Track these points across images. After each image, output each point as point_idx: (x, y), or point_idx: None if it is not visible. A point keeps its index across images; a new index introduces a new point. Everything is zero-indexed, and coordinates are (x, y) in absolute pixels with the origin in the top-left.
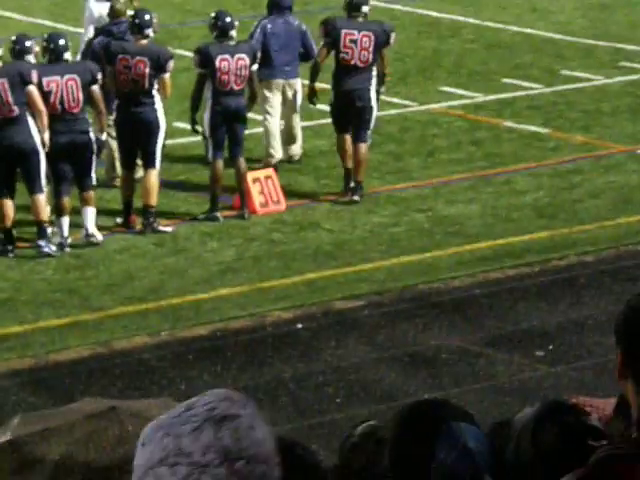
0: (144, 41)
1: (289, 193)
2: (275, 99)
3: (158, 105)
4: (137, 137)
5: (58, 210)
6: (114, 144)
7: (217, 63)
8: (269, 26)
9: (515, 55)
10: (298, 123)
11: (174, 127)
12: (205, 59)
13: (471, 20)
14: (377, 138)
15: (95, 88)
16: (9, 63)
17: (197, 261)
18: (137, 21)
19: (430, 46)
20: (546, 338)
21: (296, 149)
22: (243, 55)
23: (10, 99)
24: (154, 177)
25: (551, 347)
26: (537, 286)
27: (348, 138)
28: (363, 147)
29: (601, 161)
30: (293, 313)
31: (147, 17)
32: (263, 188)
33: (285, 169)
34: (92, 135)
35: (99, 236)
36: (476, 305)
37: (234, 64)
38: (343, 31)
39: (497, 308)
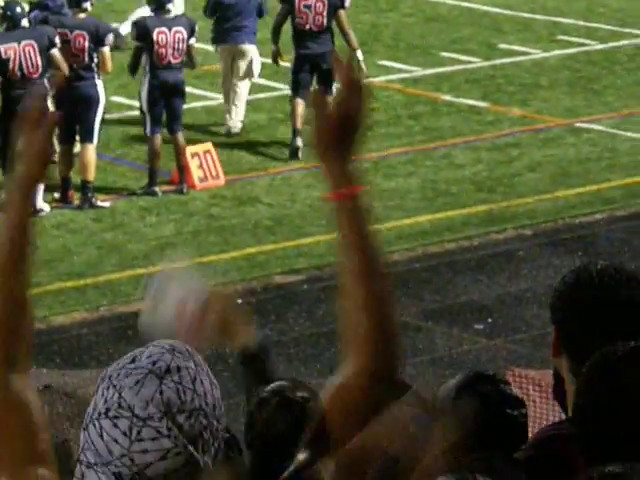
0: (82, 15)
1: (228, 167)
2: (221, 65)
3: (98, 80)
4: (76, 112)
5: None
6: None
7: (154, 36)
8: None
9: (453, 29)
10: (243, 95)
11: (111, 101)
12: (142, 32)
13: None
14: None
15: (54, 52)
16: None
17: (136, 236)
18: None
19: (368, 20)
20: (485, 311)
21: (236, 122)
22: (180, 28)
23: None
24: (92, 152)
25: (489, 320)
26: (476, 260)
27: (302, 103)
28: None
29: (539, 135)
30: (233, 288)
31: None
32: (202, 162)
33: (224, 143)
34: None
35: (47, 208)
36: (416, 279)
37: (171, 37)
38: None
39: (436, 282)
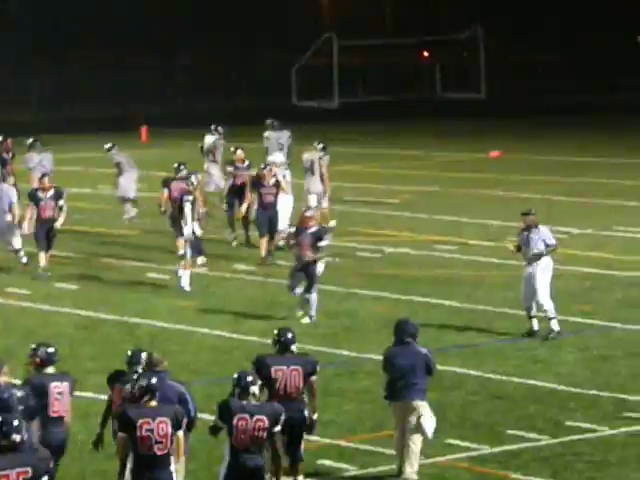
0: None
1: None
2: (394, 421)
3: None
4: None
5: None
6: None
7: (235, 421)
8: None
9: (519, 406)
10: (417, 448)
11: None
12: (225, 415)
13: (473, 372)
14: None
15: (314, 379)
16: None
17: None
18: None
19: (433, 398)
20: None
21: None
22: (263, 417)
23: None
24: None
25: None
26: None
27: None
28: None
29: None
30: None
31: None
32: None
33: None
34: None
35: None
36: None
37: (252, 425)
38: None
39: None
